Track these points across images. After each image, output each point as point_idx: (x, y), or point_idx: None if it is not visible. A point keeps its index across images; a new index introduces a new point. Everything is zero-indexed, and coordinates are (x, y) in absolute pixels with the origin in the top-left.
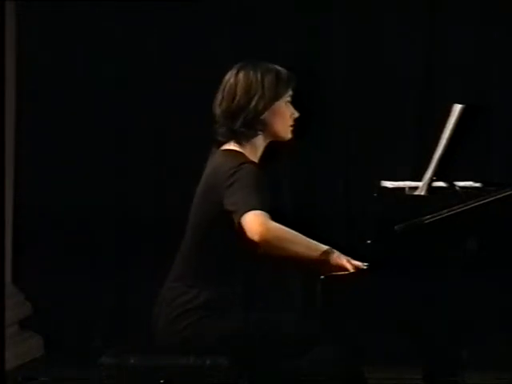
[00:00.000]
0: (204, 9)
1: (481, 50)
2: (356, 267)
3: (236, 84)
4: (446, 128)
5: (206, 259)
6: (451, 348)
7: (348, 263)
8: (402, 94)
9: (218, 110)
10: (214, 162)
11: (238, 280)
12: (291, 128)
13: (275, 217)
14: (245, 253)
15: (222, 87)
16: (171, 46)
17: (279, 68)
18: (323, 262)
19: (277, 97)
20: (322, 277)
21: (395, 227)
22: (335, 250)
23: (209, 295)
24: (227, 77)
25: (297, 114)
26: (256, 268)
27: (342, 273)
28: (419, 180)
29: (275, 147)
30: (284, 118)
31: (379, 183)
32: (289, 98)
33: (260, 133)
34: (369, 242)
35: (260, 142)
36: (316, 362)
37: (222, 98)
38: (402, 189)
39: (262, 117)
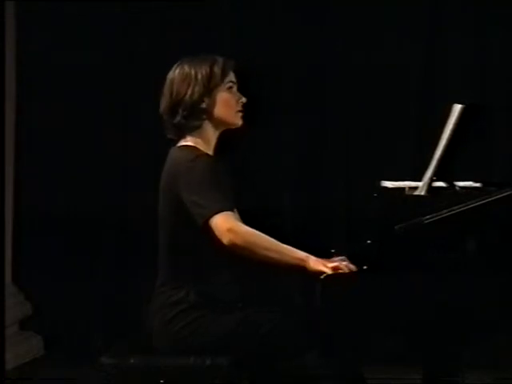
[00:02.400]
0: (204, 8)
1: (481, 50)
2: (335, 268)
3: (173, 79)
4: (446, 128)
5: (183, 258)
6: (451, 348)
7: (325, 267)
8: (402, 94)
9: (161, 109)
10: (170, 159)
11: (227, 276)
12: (240, 114)
13: (274, 218)
14: (220, 250)
15: (163, 88)
16: (171, 46)
17: (215, 57)
18: (300, 268)
19: (213, 84)
20: (322, 277)
21: (395, 227)
22: (311, 256)
23: (198, 294)
24: (168, 74)
25: (244, 100)
26: (252, 266)
27: (341, 272)
28: (419, 180)
29: (232, 136)
30: (228, 105)
31: (379, 183)
32: (230, 85)
33: (206, 123)
34: (369, 241)
35: (210, 133)
36: (315, 362)
37: (163, 96)
38: (402, 189)
39: (202, 106)
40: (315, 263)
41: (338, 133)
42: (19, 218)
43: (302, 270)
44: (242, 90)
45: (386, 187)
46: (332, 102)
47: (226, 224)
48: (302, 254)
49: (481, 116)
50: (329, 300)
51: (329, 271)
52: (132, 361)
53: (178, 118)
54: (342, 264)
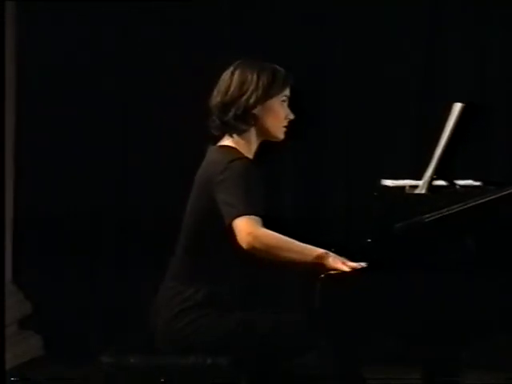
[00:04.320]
0: (204, 8)
1: (481, 49)
2: (353, 268)
3: (231, 79)
4: (447, 126)
5: (202, 257)
6: (451, 348)
7: (344, 265)
8: (402, 93)
9: (212, 103)
10: (209, 158)
11: (236, 277)
12: (284, 129)
13: (274, 217)
14: (239, 253)
15: (218, 83)
16: (171, 46)
17: (277, 67)
18: (319, 265)
19: (271, 94)
20: (322, 276)
21: (395, 226)
22: (331, 253)
23: (207, 293)
24: (224, 73)
25: (292, 116)
26: (255, 267)
27: (342, 271)
28: (419, 179)
29: (270, 147)
30: (277, 117)
31: (379, 182)
32: (284, 98)
33: (252, 128)
34: (369, 240)
35: (253, 138)
36: (315, 361)
37: (218, 92)
38: (403, 187)
39: (254, 111)
40: (334, 260)
41: (338, 132)
42: (19, 218)
43: (320, 267)
44: None
45: (386, 186)
46: (332, 101)
47: (247, 227)
48: (321, 252)
49: (481, 115)
50: (328, 300)
51: (347, 269)
52: (132, 360)
53: (228, 118)
54: (359, 264)
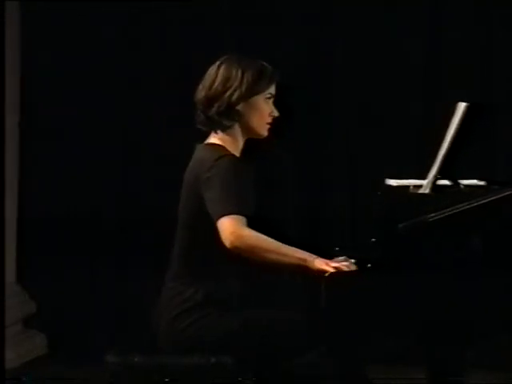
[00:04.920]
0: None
1: (485, 48)
2: (337, 268)
3: (216, 74)
4: (451, 126)
5: (199, 256)
6: (454, 348)
7: (328, 266)
8: (406, 92)
9: (197, 98)
10: (196, 156)
11: (234, 276)
12: (268, 126)
13: (277, 218)
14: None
15: (204, 77)
16: (171, 47)
17: (264, 64)
18: (303, 268)
19: (255, 91)
20: (327, 274)
21: (399, 225)
22: (314, 256)
23: (206, 293)
24: (210, 68)
25: (276, 114)
26: (256, 267)
27: (345, 270)
28: (423, 178)
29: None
30: (261, 114)
31: (383, 181)
32: (269, 96)
33: (236, 125)
34: (373, 240)
35: (239, 135)
36: (317, 361)
37: (203, 86)
38: (407, 187)
39: (237, 108)
40: (319, 263)
41: (341, 131)
42: (23, 218)
43: (305, 269)
44: None
45: (390, 185)
46: (335, 100)
47: (230, 227)
48: (305, 254)
49: (485, 114)
50: (331, 299)
51: (331, 270)
52: (136, 359)
53: (211, 113)
54: (342, 264)
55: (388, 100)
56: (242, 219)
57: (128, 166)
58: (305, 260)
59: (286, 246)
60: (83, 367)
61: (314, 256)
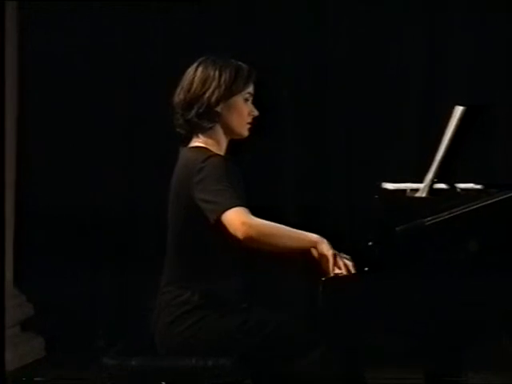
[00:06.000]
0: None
1: (482, 51)
2: (341, 267)
3: (194, 76)
4: (448, 129)
5: (192, 258)
6: (452, 349)
7: (332, 257)
8: (403, 95)
9: (175, 101)
10: (181, 160)
11: (232, 276)
12: (248, 126)
13: (274, 220)
14: (229, 248)
15: (182, 80)
16: (170, 47)
17: (240, 64)
18: (313, 252)
19: (233, 91)
20: (324, 278)
21: (396, 229)
22: (325, 240)
23: (203, 295)
24: (188, 70)
25: (256, 113)
26: (255, 267)
27: (343, 274)
28: (420, 182)
29: (269, 148)
30: (240, 114)
31: (380, 185)
32: (247, 96)
33: (217, 126)
34: (370, 243)
35: (221, 136)
36: (317, 362)
37: (181, 89)
38: (403, 191)
39: (217, 109)
40: (327, 248)
41: (338, 134)
42: (21, 220)
43: (315, 253)
44: None
45: (387, 189)
46: (333, 104)
47: (239, 218)
48: (316, 237)
49: (482, 118)
50: (329, 301)
51: (330, 258)
52: (134, 362)
53: (191, 116)
54: (346, 264)
55: (384, 104)
56: (246, 210)
57: (126, 166)
58: (316, 243)
59: (296, 229)
60: (81, 370)
61: (325, 240)
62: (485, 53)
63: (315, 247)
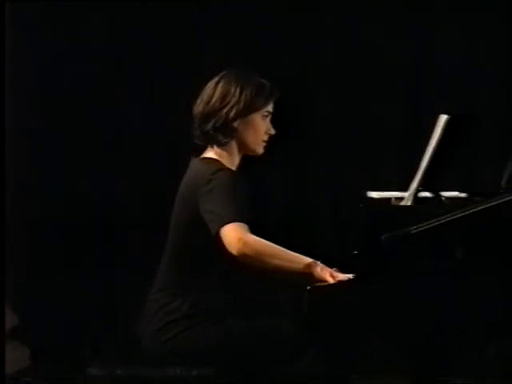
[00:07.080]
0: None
1: (467, 61)
2: (340, 280)
3: (215, 90)
4: (432, 138)
5: (187, 269)
6: (439, 356)
7: (331, 277)
8: (387, 104)
9: (195, 112)
10: (192, 169)
11: (221, 288)
12: (264, 143)
13: (260, 229)
14: (225, 261)
15: (203, 91)
16: (169, 47)
17: (263, 81)
18: (307, 275)
19: (253, 108)
20: (309, 287)
21: (382, 237)
22: (319, 263)
23: (192, 304)
24: (209, 82)
25: (273, 131)
26: (241, 276)
27: (329, 283)
28: (405, 190)
29: (254, 158)
30: (257, 132)
31: (365, 194)
32: (266, 113)
33: (233, 141)
34: (355, 252)
35: (235, 151)
36: (304, 370)
37: (201, 101)
38: (388, 199)
39: (234, 124)
40: (322, 271)
41: (323, 143)
42: (5, 228)
43: (309, 276)
44: None
45: (371, 198)
46: (317, 113)
47: (236, 234)
48: (310, 261)
49: (466, 126)
50: (315, 310)
51: (332, 281)
52: (119, 371)
53: (208, 128)
54: (346, 276)
55: (369, 112)
56: (245, 226)
57: (120, 169)
58: (310, 266)
59: (291, 252)
60: (66, 380)
61: (319, 263)
62: (471, 63)
63: (309, 271)
